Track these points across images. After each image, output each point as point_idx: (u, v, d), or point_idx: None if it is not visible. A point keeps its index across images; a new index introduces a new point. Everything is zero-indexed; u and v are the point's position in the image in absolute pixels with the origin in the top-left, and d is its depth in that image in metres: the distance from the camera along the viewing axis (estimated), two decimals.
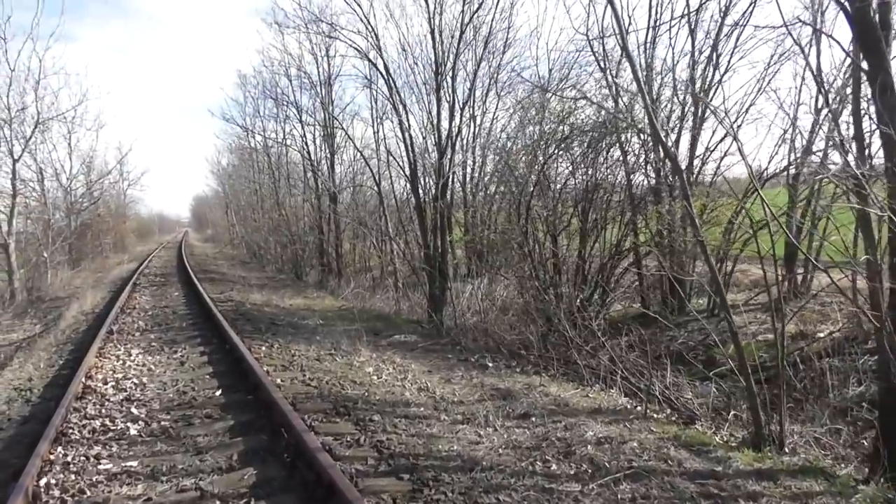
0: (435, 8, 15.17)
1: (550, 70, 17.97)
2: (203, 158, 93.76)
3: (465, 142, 19.21)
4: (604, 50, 12.78)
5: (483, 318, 13.04)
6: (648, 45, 13.26)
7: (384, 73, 15.91)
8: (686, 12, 12.84)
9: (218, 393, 6.88)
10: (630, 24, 12.97)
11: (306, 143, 24.57)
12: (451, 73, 15.76)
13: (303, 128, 24.26)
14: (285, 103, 24.92)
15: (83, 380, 7.36)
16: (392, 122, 18.37)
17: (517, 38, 18.54)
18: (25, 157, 30.16)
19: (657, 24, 13.27)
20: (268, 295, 17.84)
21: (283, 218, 27.02)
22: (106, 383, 7.36)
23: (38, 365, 8.93)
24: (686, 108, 13.17)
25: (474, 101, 18.62)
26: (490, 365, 9.09)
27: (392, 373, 8.25)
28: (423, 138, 16.71)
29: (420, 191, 15.97)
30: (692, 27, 13.07)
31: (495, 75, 19.12)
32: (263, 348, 9.28)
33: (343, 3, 15.46)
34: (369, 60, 16.77)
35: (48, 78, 24.22)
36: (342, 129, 21.62)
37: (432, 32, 15.50)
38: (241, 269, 29.38)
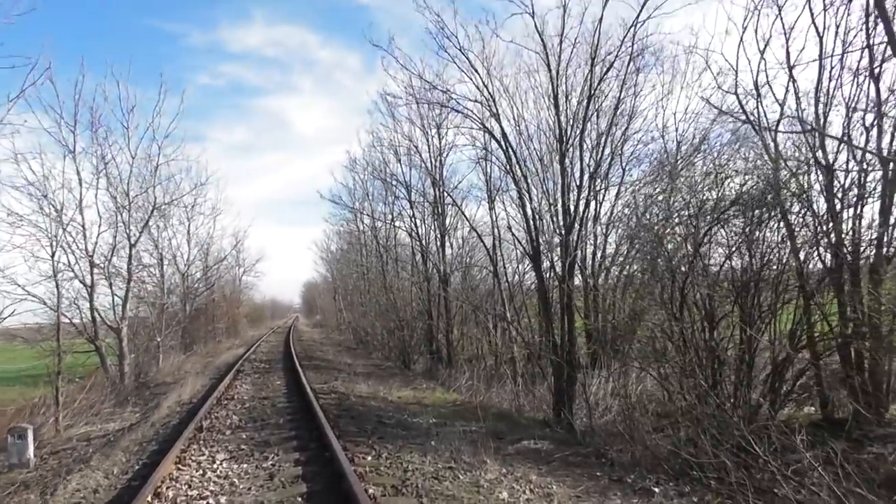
0: (559, 72, 13.87)
1: (679, 142, 16.17)
2: (313, 243, 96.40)
3: (584, 218, 17.52)
4: (759, 109, 10.79)
5: (625, 419, 10.81)
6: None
7: (502, 141, 14.55)
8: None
9: None
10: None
11: (415, 224, 23.58)
12: (577, 141, 14.24)
13: (412, 207, 23.35)
14: (394, 183, 24.21)
15: (149, 499, 5.88)
16: (510, 196, 16.92)
17: (641, 105, 16.81)
18: (148, 242, 31.24)
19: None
20: (374, 386, 16.32)
21: (390, 302, 25.86)
22: None
23: (110, 470, 7.62)
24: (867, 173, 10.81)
25: (598, 174, 17.00)
26: (656, 490, 6.93)
27: (532, 500, 6.28)
28: (544, 214, 15.15)
29: (542, 271, 14.22)
30: (876, 76, 10.89)
31: (620, 146, 17.49)
32: (369, 458, 7.55)
33: (458, 72, 14.20)
34: (486, 129, 15.50)
35: (169, 166, 24.69)
36: (455, 204, 20.36)
37: (555, 98, 14.14)
38: (348, 355, 28.30)
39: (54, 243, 14.83)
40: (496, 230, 18.40)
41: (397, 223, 26.13)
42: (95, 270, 21.57)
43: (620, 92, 14.27)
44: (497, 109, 14.64)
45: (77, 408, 14.49)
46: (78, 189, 20.70)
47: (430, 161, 21.09)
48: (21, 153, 17.24)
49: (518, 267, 20.35)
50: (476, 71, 14.49)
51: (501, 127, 14.65)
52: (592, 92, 13.84)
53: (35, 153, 20.16)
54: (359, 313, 36.33)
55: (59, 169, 20.01)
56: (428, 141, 20.90)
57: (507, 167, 15.07)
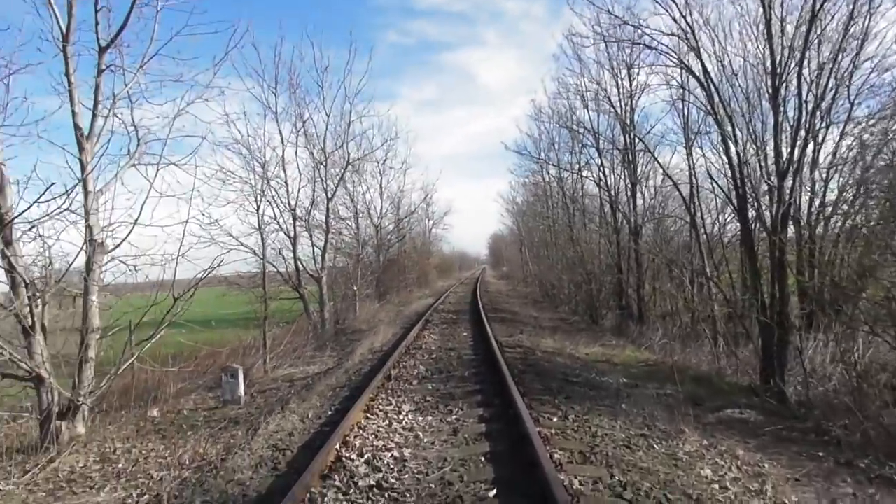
0: None
1: None
2: (499, 196, 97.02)
3: (800, 162, 15.39)
4: None
5: (852, 391, 9.38)
6: None
7: (703, 79, 13.10)
8: None
9: (491, 494, 4.91)
10: None
11: (604, 173, 22.46)
12: (794, 74, 12.39)
13: (600, 156, 22.23)
14: (581, 131, 23.18)
15: (337, 447, 5.99)
16: (710, 140, 15.36)
17: (877, 25, 14.15)
18: (344, 196, 33.06)
19: None
20: (560, 341, 15.89)
21: (577, 255, 25.12)
22: (361, 455, 5.88)
23: (305, 414, 7.99)
24: None
25: (819, 111, 14.79)
26: None
27: (740, 480, 5.52)
28: (750, 158, 13.49)
29: (749, 222, 12.76)
30: None
31: (847, 77, 15.01)
32: (555, 420, 7.16)
33: (651, 3, 12.89)
34: (683, 66, 14.08)
35: (361, 122, 25.77)
36: (648, 150, 18.99)
37: (767, 25, 12.37)
38: (533, 308, 28.15)
39: (260, 197, 16.00)
40: (694, 178, 16.89)
41: (584, 173, 25.18)
42: (297, 223, 23.21)
43: (852, 9, 12.11)
44: (696, 43, 13.25)
45: (282, 350, 15.69)
46: (280, 147, 22.27)
47: (620, 105, 19.85)
48: (229, 115, 18.82)
49: (718, 218, 18.64)
50: (673, 1, 13.14)
51: (702, 63, 13.24)
52: (815, 13, 11.96)
53: (240, 114, 21.89)
54: (545, 266, 35.96)
55: (262, 128, 21.68)
56: (617, 84, 19.64)
57: (709, 107, 13.64)
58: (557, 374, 10.26)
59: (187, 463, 6.44)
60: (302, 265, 23.67)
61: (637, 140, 19.79)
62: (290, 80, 22.15)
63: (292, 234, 22.99)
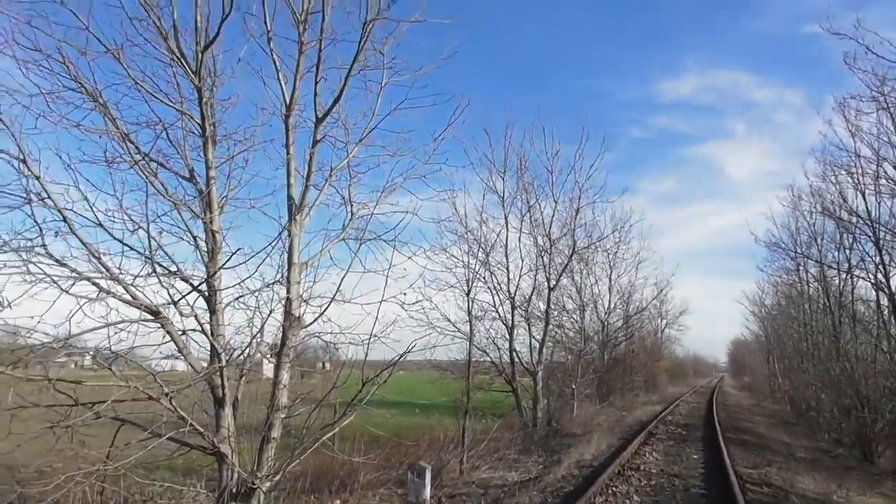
0: None
1: None
2: (743, 296, 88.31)
3: None
4: None
5: None
6: None
7: None
8: None
9: None
10: None
11: (885, 272, 18.18)
12: None
13: (879, 251, 18.07)
14: (853, 220, 19.21)
15: None
16: None
17: None
18: (569, 288, 31.51)
19: None
20: (822, 482, 12.38)
21: (845, 372, 20.45)
22: None
23: None
24: None
25: None
26: None
27: None
28: None
29: None
30: None
31: None
32: None
33: None
34: None
35: (594, 212, 24.37)
36: None
37: None
38: (784, 431, 23.55)
39: (473, 279, 15.00)
40: None
41: (857, 272, 20.80)
42: (516, 311, 22.03)
43: None
44: None
45: (484, 449, 14.21)
46: (504, 232, 21.57)
47: None
48: (454, 200, 18.57)
49: None
50: None
51: None
52: None
53: (460, 193, 21.54)
54: (799, 381, 30.53)
55: (484, 211, 21.15)
56: None
57: None
58: None
59: None
60: (518, 356, 22.34)
61: None
62: (519, 164, 21.57)
63: (510, 323, 21.88)
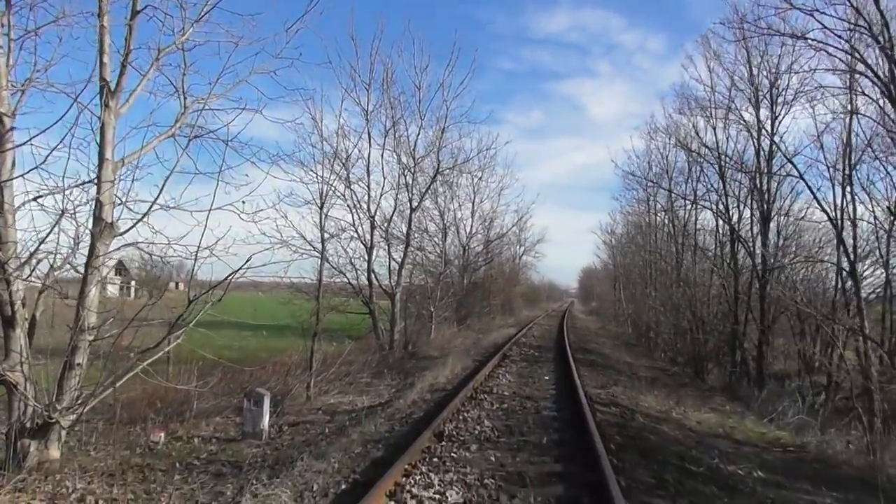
0: None
1: None
2: (597, 226, 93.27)
3: None
4: None
5: None
6: None
7: (886, 82, 10.11)
8: None
9: None
10: None
11: (726, 203, 19.18)
12: None
13: (723, 182, 18.97)
14: (703, 152, 20.01)
15: None
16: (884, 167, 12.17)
17: None
18: (432, 210, 31.04)
19: None
20: (662, 399, 12.94)
21: (685, 297, 21.75)
22: None
23: (310, 484, 5.64)
24: None
25: None
26: None
27: None
28: None
29: None
30: None
31: None
32: None
33: None
34: (855, 71, 11.08)
35: (460, 136, 23.66)
36: (797, 172, 15.59)
37: None
38: (626, 352, 24.92)
39: (326, 192, 13.77)
40: (849, 213, 13.58)
41: (702, 203, 21.88)
42: (376, 232, 21.22)
43: None
44: (886, 38, 10.29)
45: (335, 373, 13.56)
46: (367, 148, 20.42)
47: (755, 123, 16.65)
48: (310, 107, 17.16)
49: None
50: None
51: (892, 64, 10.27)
52: None
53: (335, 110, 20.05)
54: (642, 306, 32.48)
55: (351, 126, 19.86)
56: (756, 96, 16.47)
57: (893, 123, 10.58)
58: (669, 455, 7.48)
59: None
60: (376, 278, 21.67)
61: (773, 163, 16.47)
62: (385, 76, 20.25)
63: (369, 243, 21.04)
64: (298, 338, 16.96)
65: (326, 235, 19.65)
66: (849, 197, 14.21)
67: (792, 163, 15.43)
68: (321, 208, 13.17)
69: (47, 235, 6.47)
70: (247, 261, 7.22)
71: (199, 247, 7.23)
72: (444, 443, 7.13)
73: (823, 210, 13.65)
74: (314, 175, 15.64)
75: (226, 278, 7.64)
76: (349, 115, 36.16)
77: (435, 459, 6.38)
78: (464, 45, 47.15)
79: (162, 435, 8.46)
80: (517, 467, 6.33)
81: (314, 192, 15.19)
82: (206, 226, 7.18)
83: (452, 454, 6.66)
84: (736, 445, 9.37)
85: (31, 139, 6.24)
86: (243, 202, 7.75)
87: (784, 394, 15.71)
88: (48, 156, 6.24)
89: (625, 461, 6.77)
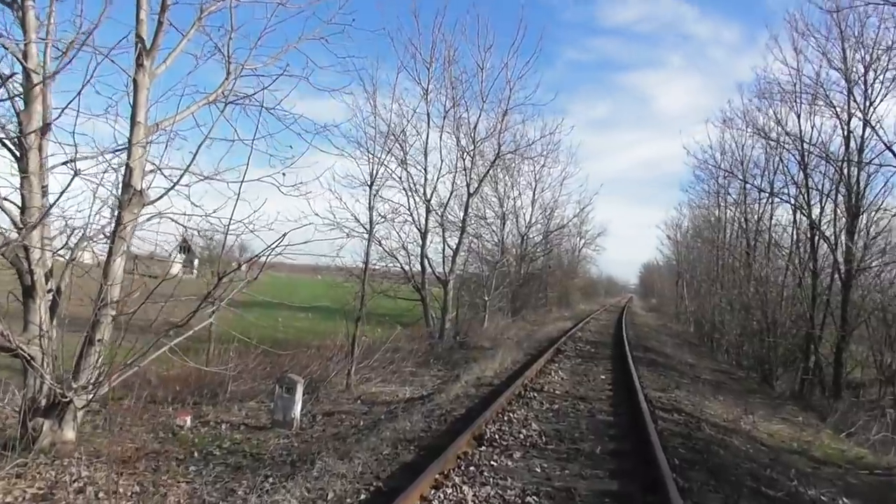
0: None
1: None
2: (661, 222, 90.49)
3: None
4: None
5: None
6: None
7: None
8: None
9: None
10: None
11: (806, 198, 17.69)
12: None
13: (805, 175, 17.51)
14: (783, 142, 18.54)
15: None
16: None
17: None
18: (491, 198, 30.25)
19: None
20: (729, 406, 11.90)
21: (757, 296, 20.30)
22: None
23: (327, 491, 5.00)
24: None
25: None
26: None
27: None
28: None
29: None
30: None
31: None
32: None
33: None
34: None
35: (523, 123, 22.71)
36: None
37: None
38: (688, 352, 23.63)
39: (376, 170, 13.08)
40: None
41: (780, 196, 20.35)
42: (431, 217, 20.58)
43: None
44: None
45: (379, 360, 13.03)
46: (425, 129, 19.75)
47: (846, 109, 15.21)
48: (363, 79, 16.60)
49: None
50: None
51: None
52: None
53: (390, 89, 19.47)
54: (707, 304, 30.91)
55: (410, 107, 19.23)
56: (847, 78, 15.01)
57: None
58: (742, 476, 6.55)
59: None
60: (429, 264, 21.06)
61: (864, 155, 14.97)
62: (447, 55, 19.52)
63: (423, 228, 20.44)
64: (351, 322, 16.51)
65: (377, 217, 19.22)
66: None
67: (891, 149, 13.88)
68: (370, 186, 12.56)
69: (61, 201, 6.05)
70: (282, 237, 6.65)
71: (231, 219, 6.75)
72: (484, 447, 6.41)
73: None
74: (366, 153, 15.07)
75: (257, 256, 7.16)
76: (407, 94, 35.60)
77: (472, 468, 5.66)
78: (530, 25, 45.45)
79: (188, 419, 8.04)
80: (566, 482, 5.56)
81: (367, 173, 14.64)
82: (238, 197, 6.66)
83: (493, 462, 5.93)
84: (814, 465, 8.35)
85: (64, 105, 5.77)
86: (283, 174, 7.22)
87: (862, 406, 14.40)
88: (77, 118, 5.78)
89: (691, 481, 5.91)
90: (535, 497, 5.10)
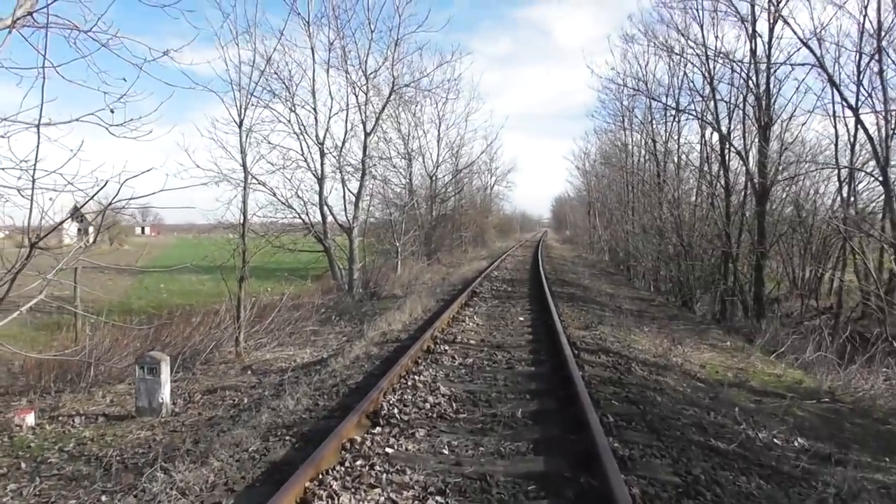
0: None
1: None
2: (570, 153, 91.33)
3: None
4: None
5: None
6: None
7: None
8: None
9: None
10: None
11: (715, 111, 16.98)
12: None
13: (712, 88, 16.74)
14: (689, 55, 17.68)
15: None
16: None
17: None
18: (397, 140, 28.59)
19: None
20: (654, 338, 11.12)
21: (672, 219, 19.77)
22: None
23: (207, 477, 3.57)
24: None
25: None
26: None
27: None
28: None
29: None
30: None
31: None
32: None
33: None
34: None
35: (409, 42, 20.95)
36: (817, 61, 13.23)
37: None
38: (606, 282, 23.14)
39: (242, 109, 11.11)
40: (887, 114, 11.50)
41: (687, 111, 19.65)
42: (327, 160, 18.88)
43: None
44: None
45: (276, 322, 11.50)
46: (311, 67, 17.94)
47: (751, 11, 14.36)
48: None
49: None
50: None
51: None
52: None
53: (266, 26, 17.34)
54: (620, 231, 30.67)
55: (290, 41, 17.33)
56: None
57: None
58: (686, 430, 5.51)
59: None
60: (331, 212, 19.47)
61: (772, 59, 14.18)
62: None
63: (319, 173, 18.72)
64: (258, 280, 14.75)
65: (268, 166, 17.32)
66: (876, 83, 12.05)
67: (807, 45, 12.97)
68: (240, 126, 10.71)
69: None
70: (121, 185, 4.90)
71: (35, 168, 4.94)
72: (379, 428, 5.07)
73: (845, 102, 11.52)
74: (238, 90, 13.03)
75: (76, 210, 5.47)
76: (290, 31, 33.00)
77: (358, 462, 4.32)
78: None
79: (29, 416, 6.41)
80: (480, 465, 4.31)
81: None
82: (38, 140, 4.84)
83: (388, 449, 4.61)
84: (756, 397, 7.55)
85: None
86: (112, 111, 5.38)
87: (787, 324, 14.07)
88: None
89: (632, 445, 4.80)
90: (440, 497, 3.82)
